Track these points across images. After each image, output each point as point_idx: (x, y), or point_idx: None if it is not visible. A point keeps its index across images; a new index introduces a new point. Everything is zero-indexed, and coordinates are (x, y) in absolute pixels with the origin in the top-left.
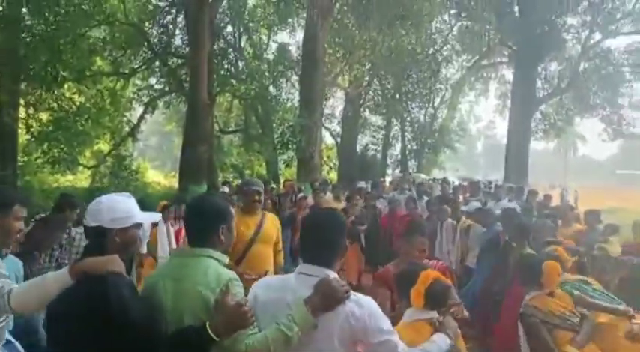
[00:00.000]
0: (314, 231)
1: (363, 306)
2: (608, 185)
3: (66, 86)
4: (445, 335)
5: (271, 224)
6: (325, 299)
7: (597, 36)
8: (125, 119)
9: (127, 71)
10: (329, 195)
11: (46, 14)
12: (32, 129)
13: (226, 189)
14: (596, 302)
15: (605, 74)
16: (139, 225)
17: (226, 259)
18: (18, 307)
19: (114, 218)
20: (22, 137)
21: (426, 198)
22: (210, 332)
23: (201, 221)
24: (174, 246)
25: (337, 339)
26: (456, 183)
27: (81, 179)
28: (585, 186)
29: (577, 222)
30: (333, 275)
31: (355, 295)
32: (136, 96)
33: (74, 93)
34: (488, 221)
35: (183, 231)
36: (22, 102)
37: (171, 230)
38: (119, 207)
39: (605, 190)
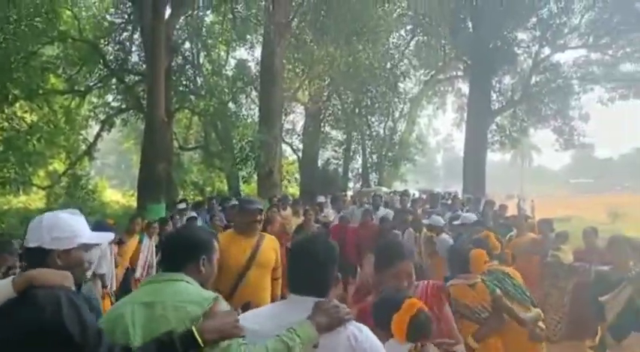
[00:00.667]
0: (304, 259)
1: (363, 331)
2: (562, 194)
3: (17, 105)
4: None
5: (270, 246)
6: (328, 318)
7: (547, 50)
8: (81, 137)
9: (82, 89)
10: (288, 211)
11: None
12: None
13: (183, 205)
14: (510, 309)
15: (555, 87)
16: (86, 246)
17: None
18: None
19: (55, 237)
20: None
21: (383, 210)
22: (197, 336)
23: (181, 248)
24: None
25: None
26: (417, 195)
27: (35, 200)
28: (541, 195)
29: (532, 231)
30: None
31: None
32: (92, 114)
33: (25, 112)
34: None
35: None
36: None
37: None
38: (62, 226)
39: (559, 199)
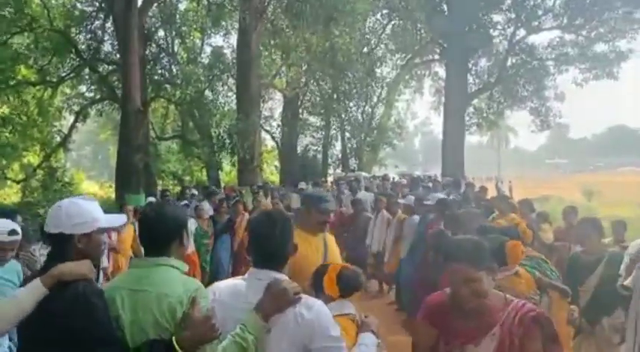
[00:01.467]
0: (261, 234)
1: (312, 309)
2: (539, 174)
3: None
4: (371, 333)
5: (332, 241)
6: (276, 301)
7: (522, 32)
8: (55, 129)
9: (54, 79)
10: (268, 200)
11: None
12: None
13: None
14: (552, 283)
15: (531, 68)
16: (102, 230)
17: (185, 267)
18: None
19: (75, 223)
20: None
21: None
22: (177, 347)
23: (163, 228)
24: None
25: (286, 342)
26: (396, 179)
27: (10, 194)
28: (519, 176)
29: (513, 212)
30: (283, 278)
31: (307, 298)
32: (65, 105)
33: None
34: (422, 211)
35: None
36: None
37: None
38: (81, 211)
39: (536, 180)
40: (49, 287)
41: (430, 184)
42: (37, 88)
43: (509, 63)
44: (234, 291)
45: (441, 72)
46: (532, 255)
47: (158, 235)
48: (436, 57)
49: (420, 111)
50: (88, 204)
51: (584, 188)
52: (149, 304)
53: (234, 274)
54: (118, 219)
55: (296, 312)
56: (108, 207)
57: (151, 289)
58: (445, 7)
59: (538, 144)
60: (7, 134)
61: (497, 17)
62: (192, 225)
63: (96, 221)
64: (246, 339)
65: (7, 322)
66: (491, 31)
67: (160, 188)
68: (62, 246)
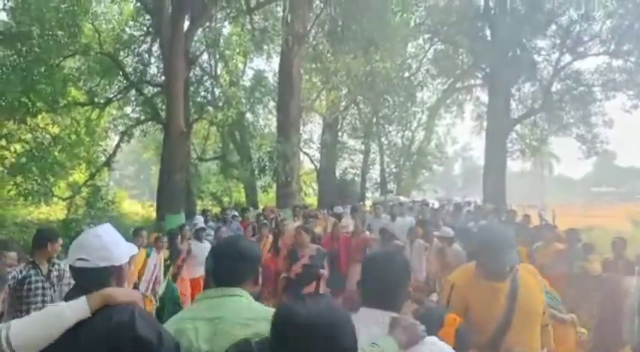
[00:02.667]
0: (376, 274)
1: (436, 344)
2: (584, 203)
3: (39, 117)
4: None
5: (531, 284)
6: (407, 334)
7: (567, 57)
8: (101, 149)
9: (102, 100)
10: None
11: (19, 46)
12: (5, 162)
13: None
14: (557, 315)
15: (576, 94)
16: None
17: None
18: (23, 345)
19: (105, 256)
20: None
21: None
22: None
23: (240, 262)
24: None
25: None
26: (436, 204)
27: (56, 210)
28: (562, 204)
29: (557, 241)
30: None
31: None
32: (111, 125)
33: (47, 125)
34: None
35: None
36: None
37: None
38: (120, 243)
39: (581, 207)
40: (94, 308)
41: (470, 210)
42: (86, 108)
43: (554, 88)
44: None
45: (483, 97)
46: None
47: (231, 268)
48: (478, 82)
49: (460, 136)
50: (115, 234)
51: (633, 218)
52: (232, 330)
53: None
54: (134, 248)
55: (426, 349)
56: (149, 226)
57: (230, 316)
58: (488, 31)
59: (583, 172)
60: (56, 153)
61: (541, 43)
62: (203, 248)
63: (126, 252)
64: None
65: (50, 338)
66: (536, 56)
67: (198, 208)
68: (105, 279)
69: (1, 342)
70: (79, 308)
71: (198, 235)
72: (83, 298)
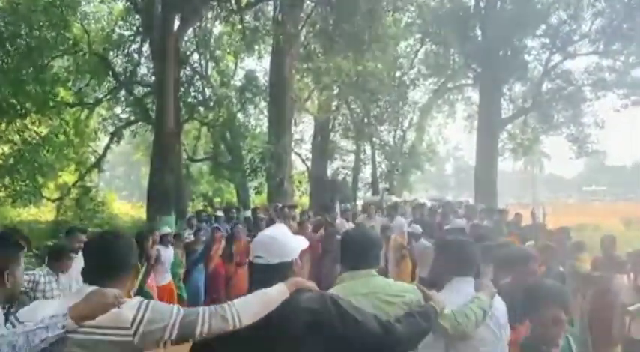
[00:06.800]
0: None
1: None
2: (575, 202)
3: (28, 118)
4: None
5: None
6: (489, 291)
7: (557, 57)
8: (90, 150)
9: (91, 101)
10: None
11: (8, 46)
12: None
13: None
14: None
15: (567, 94)
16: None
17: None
18: (249, 320)
19: (290, 251)
20: None
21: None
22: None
23: (366, 247)
24: None
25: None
26: (428, 204)
27: (45, 212)
28: (553, 203)
29: (548, 240)
30: None
31: None
32: (101, 126)
33: (36, 125)
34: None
35: None
36: None
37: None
38: (290, 241)
39: (572, 206)
40: (290, 292)
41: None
42: (75, 109)
43: (544, 88)
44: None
45: (474, 96)
46: None
47: (359, 252)
48: (469, 81)
49: (452, 136)
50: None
51: (623, 216)
52: (390, 300)
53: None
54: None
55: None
56: (139, 228)
57: (380, 291)
58: (479, 32)
59: (574, 171)
60: (45, 154)
61: (531, 43)
62: (169, 253)
63: (298, 247)
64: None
65: (263, 314)
66: (526, 56)
67: (189, 210)
68: (283, 273)
69: (233, 317)
70: (281, 291)
71: (164, 240)
72: (282, 284)
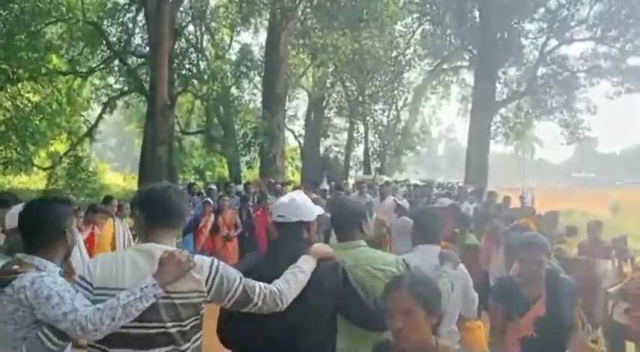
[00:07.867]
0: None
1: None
2: (564, 187)
3: (20, 85)
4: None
5: None
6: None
7: (554, 42)
8: (82, 119)
9: (84, 70)
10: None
11: (0, 10)
12: None
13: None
14: None
15: (561, 79)
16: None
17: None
18: (290, 298)
19: (303, 213)
20: None
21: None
22: None
23: (348, 218)
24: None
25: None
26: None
27: (35, 181)
28: (542, 188)
29: (536, 224)
30: None
31: None
32: (94, 95)
33: (28, 93)
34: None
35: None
36: None
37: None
38: (308, 204)
39: (561, 192)
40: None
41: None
42: (67, 77)
43: (539, 73)
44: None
45: (469, 79)
46: None
47: (343, 223)
48: (465, 63)
49: (445, 118)
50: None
51: (611, 203)
52: (373, 273)
53: None
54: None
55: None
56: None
57: (364, 263)
58: (477, 13)
59: (564, 157)
60: (37, 121)
61: (529, 26)
62: None
63: (315, 210)
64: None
65: (296, 292)
66: (523, 40)
67: (180, 182)
68: (299, 232)
69: (282, 302)
70: (310, 264)
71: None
72: (309, 256)
